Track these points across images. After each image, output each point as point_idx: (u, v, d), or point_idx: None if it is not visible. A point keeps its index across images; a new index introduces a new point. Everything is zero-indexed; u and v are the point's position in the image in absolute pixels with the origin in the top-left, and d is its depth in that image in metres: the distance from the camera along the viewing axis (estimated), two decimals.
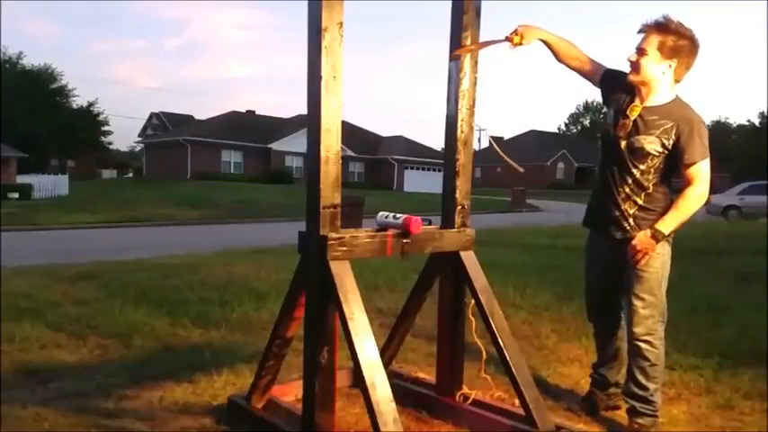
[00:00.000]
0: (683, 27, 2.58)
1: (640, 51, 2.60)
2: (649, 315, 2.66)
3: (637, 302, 2.66)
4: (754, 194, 19.47)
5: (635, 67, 2.62)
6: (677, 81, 2.64)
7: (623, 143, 2.66)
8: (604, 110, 2.90)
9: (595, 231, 2.90)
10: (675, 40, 2.56)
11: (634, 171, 2.65)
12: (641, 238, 2.61)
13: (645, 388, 2.68)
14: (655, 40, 2.57)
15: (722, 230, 10.93)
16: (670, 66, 2.59)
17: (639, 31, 2.63)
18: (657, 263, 2.66)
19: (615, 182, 2.71)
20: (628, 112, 2.66)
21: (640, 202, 2.67)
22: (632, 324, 2.68)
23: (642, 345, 2.66)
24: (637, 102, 2.66)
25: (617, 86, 2.74)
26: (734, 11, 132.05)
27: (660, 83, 2.62)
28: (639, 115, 2.64)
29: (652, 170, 2.64)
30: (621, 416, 2.85)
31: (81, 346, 3.95)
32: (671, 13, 2.58)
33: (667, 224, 2.61)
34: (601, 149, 2.83)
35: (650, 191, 2.66)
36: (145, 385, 3.20)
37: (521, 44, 2.68)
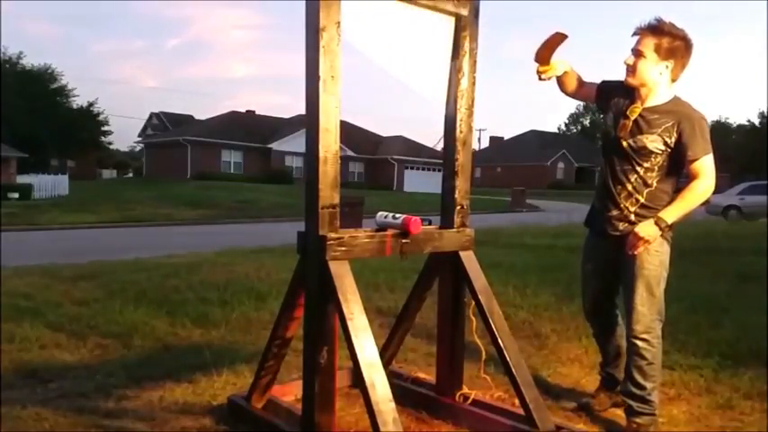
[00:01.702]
0: (676, 28, 2.59)
1: (637, 53, 2.60)
2: (648, 313, 2.65)
3: (635, 300, 2.66)
4: (754, 194, 19.48)
5: (632, 69, 2.63)
6: (674, 81, 2.65)
7: (625, 143, 2.66)
8: None
9: (595, 231, 2.89)
10: (670, 41, 2.57)
11: (638, 169, 2.66)
12: (643, 226, 2.59)
13: (642, 387, 2.68)
14: (650, 42, 2.57)
15: (722, 230, 10.93)
16: (667, 66, 2.60)
17: (634, 34, 2.63)
18: (657, 261, 2.66)
19: (618, 180, 2.71)
20: (628, 113, 2.67)
21: (642, 200, 2.67)
22: (630, 322, 2.68)
23: (640, 343, 2.66)
24: (637, 103, 2.66)
25: (614, 92, 2.76)
26: (734, 11, 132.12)
27: (658, 84, 2.62)
28: (640, 115, 2.64)
29: (656, 168, 2.64)
30: (621, 416, 2.84)
31: (81, 346, 3.95)
32: (671, 13, 2.60)
33: (670, 213, 2.60)
34: (602, 151, 2.83)
35: (653, 188, 2.66)
36: (145, 385, 3.20)
37: (550, 78, 2.76)
